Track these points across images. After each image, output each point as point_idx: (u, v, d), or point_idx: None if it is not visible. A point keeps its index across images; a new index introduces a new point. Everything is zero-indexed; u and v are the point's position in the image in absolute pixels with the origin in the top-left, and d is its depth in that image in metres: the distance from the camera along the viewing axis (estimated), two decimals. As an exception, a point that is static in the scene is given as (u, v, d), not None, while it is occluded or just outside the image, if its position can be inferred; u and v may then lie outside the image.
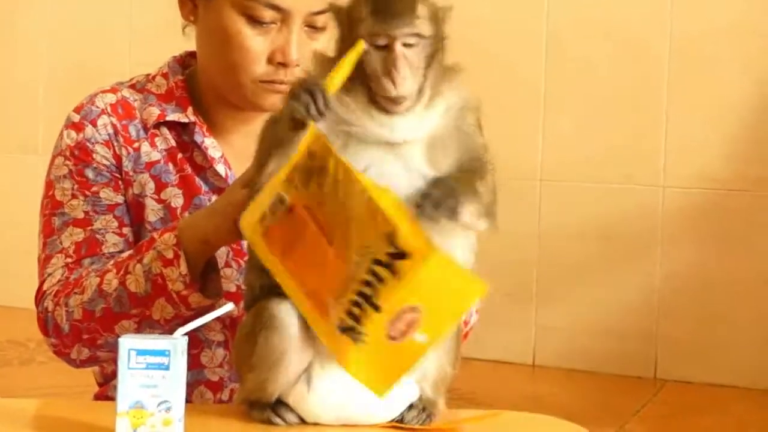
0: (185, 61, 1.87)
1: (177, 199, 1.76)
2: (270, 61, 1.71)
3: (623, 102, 3.90)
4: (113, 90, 1.82)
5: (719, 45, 3.80)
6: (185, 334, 1.36)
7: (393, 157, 1.38)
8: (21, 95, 4.74)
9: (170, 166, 1.77)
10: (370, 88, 1.37)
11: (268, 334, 1.39)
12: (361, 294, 1.28)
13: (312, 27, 1.72)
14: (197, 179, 1.77)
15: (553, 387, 3.79)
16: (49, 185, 1.78)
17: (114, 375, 1.83)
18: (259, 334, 1.40)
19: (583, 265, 3.92)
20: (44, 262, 1.75)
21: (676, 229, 3.86)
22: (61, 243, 1.74)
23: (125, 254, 1.68)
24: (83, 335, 1.66)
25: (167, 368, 1.32)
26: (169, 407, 1.32)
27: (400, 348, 1.28)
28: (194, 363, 1.72)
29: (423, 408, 1.45)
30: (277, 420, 1.43)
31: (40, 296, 1.72)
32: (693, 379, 3.82)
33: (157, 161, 1.77)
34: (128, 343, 1.32)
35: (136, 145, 1.77)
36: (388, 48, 1.36)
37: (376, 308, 1.27)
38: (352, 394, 1.41)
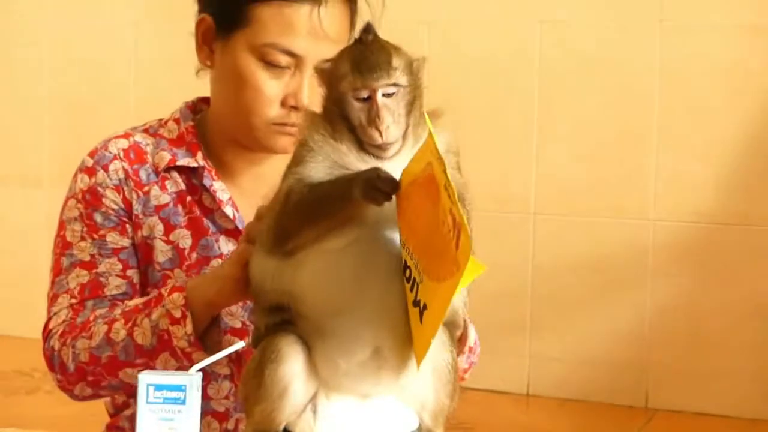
0: (196, 107, 1.94)
1: (185, 240, 1.83)
2: (283, 104, 1.78)
3: (614, 137, 3.93)
4: (126, 135, 1.89)
5: (709, 80, 3.83)
6: (199, 370, 1.43)
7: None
8: (25, 129, 4.74)
9: (179, 208, 1.84)
10: (357, 136, 1.45)
11: (274, 366, 1.46)
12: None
13: None
14: (205, 221, 1.84)
15: (547, 416, 3.82)
16: (61, 225, 1.87)
17: (125, 405, 1.90)
18: (266, 368, 1.46)
19: (576, 297, 3.94)
20: (51, 300, 1.83)
21: (666, 262, 3.89)
22: (67, 283, 1.81)
23: (133, 303, 1.75)
24: (88, 377, 1.74)
25: (183, 402, 1.39)
26: (185, 439, 1.39)
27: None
28: (201, 395, 1.79)
29: None
30: None
31: (46, 334, 1.80)
32: (683, 408, 3.85)
33: (167, 204, 1.84)
34: (147, 378, 1.39)
35: (146, 188, 1.84)
36: (370, 99, 1.44)
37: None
38: (358, 422, 1.48)
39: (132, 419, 1.87)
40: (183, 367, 1.66)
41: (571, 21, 3.99)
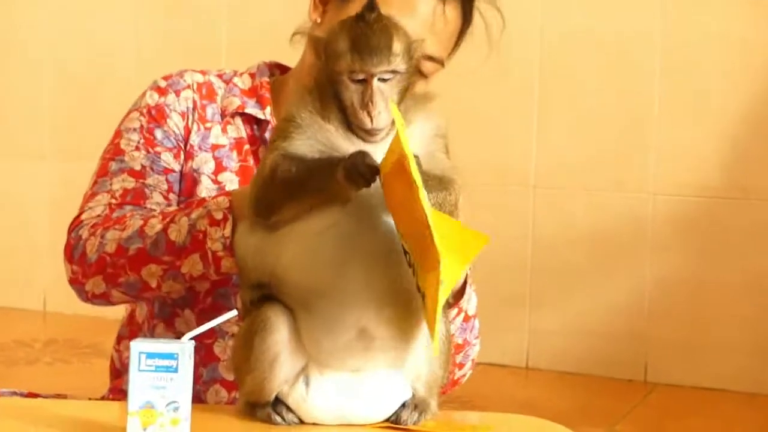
0: (272, 69, 1.95)
1: (232, 185, 1.84)
2: None
3: (614, 111, 3.93)
4: (202, 72, 1.91)
5: (709, 54, 3.83)
6: (192, 338, 1.43)
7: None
8: (27, 103, 4.74)
9: (234, 153, 1.86)
10: (346, 116, 1.45)
11: (263, 335, 1.47)
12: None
13: (418, 70, 1.75)
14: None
15: (546, 389, 3.83)
16: (117, 134, 1.87)
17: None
18: (255, 337, 1.47)
19: (575, 270, 3.94)
20: (89, 197, 1.82)
21: (666, 235, 3.89)
22: (111, 185, 1.81)
23: (173, 207, 1.76)
24: (108, 269, 1.71)
25: (176, 371, 1.38)
26: (177, 407, 1.38)
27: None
28: (208, 355, 1.79)
29: (416, 406, 1.52)
30: (277, 418, 1.49)
31: (76, 224, 1.78)
32: (682, 382, 3.86)
33: (223, 146, 1.86)
34: (139, 346, 1.39)
35: (208, 125, 1.86)
36: (365, 82, 1.44)
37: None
38: (350, 395, 1.49)
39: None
40: (206, 276, 1.68)
41: (572, -6, 3.99)
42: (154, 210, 1.80)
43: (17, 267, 4.73)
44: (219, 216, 1.65)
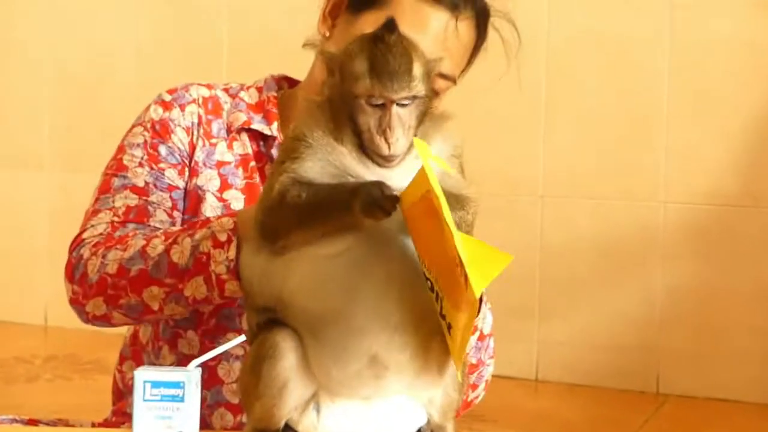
0: (280, 83, 1.91)
1: (238, 203, 1.80)
2: None
3: (623, 119, 3.91)
4: (208, 86, 1.87)
5: (720, 60, 3.81)
6: (200, 365, 1.38)
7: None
8: (25, 112, 4.73)
9: (240, 171, 1.82)
10: (361, 139, 1.39)
11: (272, 362, 1.41)
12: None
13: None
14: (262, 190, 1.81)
15: (557, 401, 3.80)
16: (120, 149, 1.83)
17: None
18: (263, 364, 1.41)
19: (585, 280, 3.93)
20: (91, 214, 1.78)
21: (677, 244, 3.87)
22: (113, 202, 1.77)
23: (176, 228, 1.72)
24: (108, 290, 1.67)
25: (182, 400, 1.34)
26: (184, 438, 1.34)
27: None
28: (212, 378, 1.75)
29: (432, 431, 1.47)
30: None
31: (77, 243, 1.74)
32: (695, 393, 3.83)
33: (228, 163, 1.82)
34: (143, 375, 1.34)
35: (214, 141, 1.83)
36: (383, 107, 1.38)
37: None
38: (362, 423, 1.43)
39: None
40: (209, 300, 1.63)
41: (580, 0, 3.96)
42: (158, 229, 1.76)
43: (16, 279, 4.70)
44: (223, 238, 1.61)
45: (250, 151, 1.83)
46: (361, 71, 1.38)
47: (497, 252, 1.24)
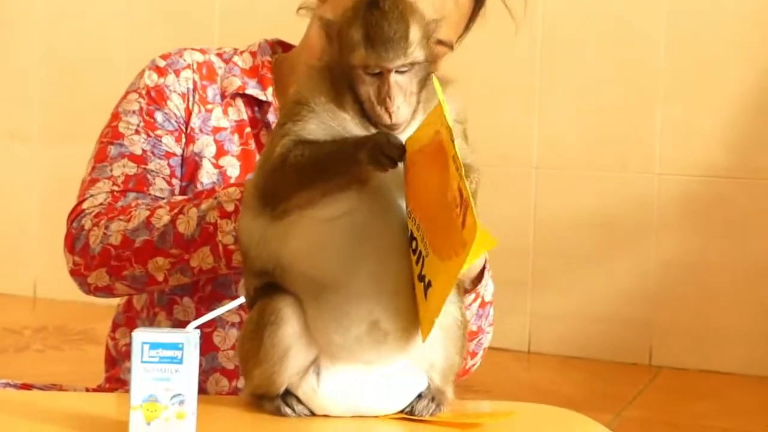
0: (274, 47, 1.89)
1: (233, 169, 1.79)
2: None
3: (619, 90, 3.91)
4: (202, 51, 1.85)
5: (716, 33, 3.81)
6: (198, 327, 1.36)
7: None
8: (15, 84, 4.71)
9: (235, 137, 1.80)
10: (363, 108, 1.38)
11: (274, 328, 1.40)
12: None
13: None
14: (258, 156, 1.79)
15: (549, 373, 3.80)
16: (115, 116, 1.81)
17: (127, 354, 1.84)
18: (264, 330, 1.41)
19: (579, 253, 3.93)
20: (89, 183, 1.76)
21: (671, 217, 3.87)
22: (111, 171, 1.75)
23: (180, 197, 1.70)
24: (112, 261, 1.66)
25: (180, 362, 1.32)
26: (183, 400, 1.31)
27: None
28: (207, 344, 1.73)
29: (432, 398, 1.46)
30: (287, 410, 1.43)
31: (76, 214, 1.72)
32: (688, 365, 3.84)
33: (224, 128, 1.80)
34: (141, 336, 1.32)
35: (209, 107, 1.81)
36: (381, 76, 1.36)
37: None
38: (362, 387, 1.42)
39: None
40: (216, 269, 1.62)
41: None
42: (159, 198, 1.74)
43: (6, 251, 4.69)
44: (230, 208, 1.60)
45: (245, 116, 1.82)
46: (356, 40, 1.36)
47: (484, 234, 1.22)
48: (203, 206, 1.62)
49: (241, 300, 1.41)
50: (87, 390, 1.81)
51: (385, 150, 1.31)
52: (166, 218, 1.64)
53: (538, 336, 4.01)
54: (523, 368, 3.90)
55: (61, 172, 4.46)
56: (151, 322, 1.81)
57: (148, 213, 1.66)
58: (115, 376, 1.86)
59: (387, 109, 1.35)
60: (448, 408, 1.46)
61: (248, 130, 1.81)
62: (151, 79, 1.81)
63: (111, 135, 1.79)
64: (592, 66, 3.93)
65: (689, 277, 3.85)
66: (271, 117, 1.80)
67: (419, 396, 1.46)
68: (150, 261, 1.64)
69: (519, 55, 4.00)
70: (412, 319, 1.39)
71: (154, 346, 1.32)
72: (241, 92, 1.81)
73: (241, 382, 1.76)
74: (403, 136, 1.36)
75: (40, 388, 1.76)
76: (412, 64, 1.37)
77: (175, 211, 1.64)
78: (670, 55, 3.86)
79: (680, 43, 3.85)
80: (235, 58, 1.85)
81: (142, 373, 1.31)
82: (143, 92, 1.80)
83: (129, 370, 1.80)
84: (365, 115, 1.38)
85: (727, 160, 3.82)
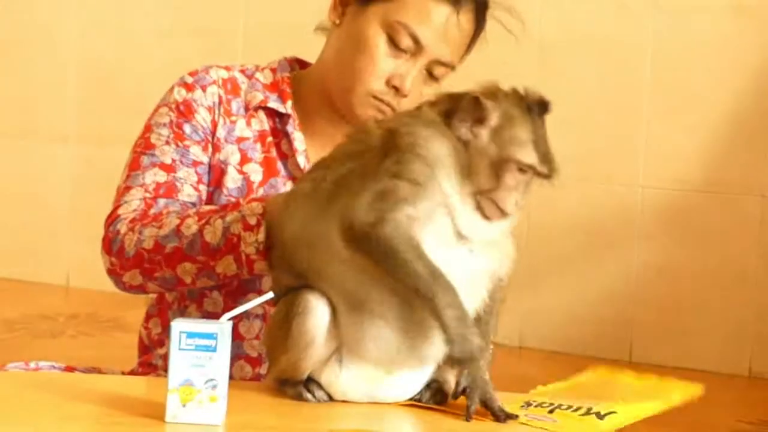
0: (292, 65, 1.92)
1: (256, 175, 1.81)
2: (387, 82, 1.76)
3: (607, 108, 3.91)
4: (227, 68, 1.87)
5: (697, 57, 3.81)
6: (230, 319, 1.38)
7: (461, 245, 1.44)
8: (52, 87, 4.71)
9: (258, 145, 1.83)
10: (490, 189, 1.41)
11: (302, 319, 1.43)
12: None
13: (429, 73, 1.78)
14: (279, 163, 1.83)
15: (539, 367, 3.80)
16: (148, 128, 1.84)
17: (159, 342, 1.86)
18: (293, 320, 1.44)
19: (567, 257, 3.93)
20: (124, 190, 1.79)
21: (652, 226, 3.87)
22: (143, 179, 1.78)
23: (207, 207, 1.73)
24: (144, 264, 1.70)
25: (214, 350, 1.34)
26: (215, 385, 1.34)
27: None
28: (233, 334, 1.74)
29: (438, 389, 1.49)
30: (308, 396, 1.46)
31: (113, 219, 1.76)
32: (665, 362, 3.82)
33: (247, 138, 1.83)
34: (179, 326, 1.35)
35: (234, 119, 1.83)
36: (525, 175, 1.43)
37: None
38: (382, 378, 1.45)
39: (166, 357, 1.83)
40: (239, 275, 1.66)
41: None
42: (188, 203, 1.77)
43: (42, 244, 4.70)
44: (253, 221, 1.63)
45: (267, 127, 1.84)
46: (524, 139, 1.43)
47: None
48: (228, 218, 1.65)
49: (270, 295, 1.43)
50: (122, 373, 1.83)
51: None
52: (195, 228, 1.67)
53: (528, 332, 4.01)
54: (514, 362, 3.89)
55: (94, 171, 4.48)
56: (182, 314, 1.83)
57: (178, 221, 1.69)
58: (148, 361, 1.88)
59: (517, 203, 1.42)
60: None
61: (270, 139, 1.84)
62: (180, 94, 1.83)
63: (144, 145, 1.82)
64: (583, 88, 3.92)
65: (667, 280, 3.85)
66: (290, 128, 1.83)
67: (428, 385, 1.49)
68: (179, 266, 1.68)
69: (514, 76, 3.99)
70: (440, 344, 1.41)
71: (191, 335, 1.34)
72: (263, 105, 1.84)
73: (263, 369, 1.79)
74: (492, 232, 1.43)
75: (82, 371, 1.79)
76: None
77: (203, 221, 1.67)
78: (654, 80, 3.85)
79: (663, 69, 3.84)
80: (257, 74, 1.88)
81: (179, 360, 1.34)
82: (173, 106, 1.83)
83: (161, 357, 1.85)
84: (476, 197, 1.41)
85: (703, 175, 3.82)
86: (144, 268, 1.70)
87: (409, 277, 1.37)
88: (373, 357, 1.43)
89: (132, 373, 1.87)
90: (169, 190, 1.78)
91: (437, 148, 1.42)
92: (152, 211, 1.75)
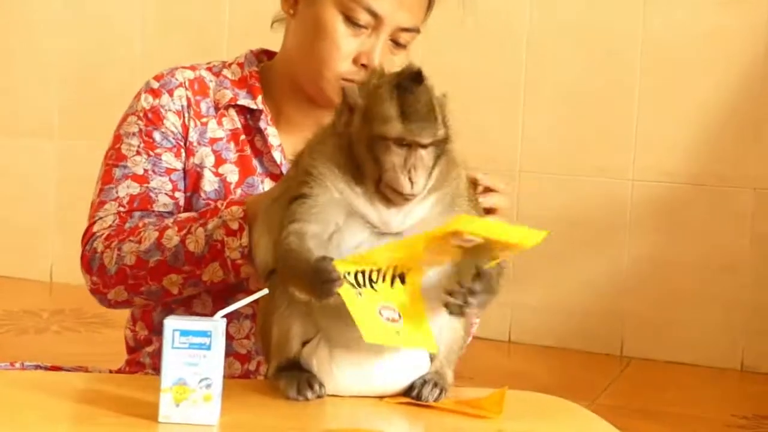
0: (259, 57, 1.89)
1: (233, 176, 1.78)
2: (355, 61, 1.73)
3: (597, 102, 3.89)
4: (192, 68, 1.84)
5: (687, 51, 3.80)
6: (224, 316, 1.35)
7: (387, 237, 1.41)
8: (37, 82, 4.67)
9: (231, 145, 1.79)
10: (380, 176, 1.39)
11: (285, 303, 1.43)
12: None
13: (395, 42, 1.75)
14: (254, 161, 1.79)
15: (528, 362, 3.79)
16: (117, 139, 1.80)
17: (147, 342, 1.83)
18: (278, 307, 1.44)
19: (557, 250, 3.91)
20: (97, 206, 1.76)
21: (642, 219, 3.86)
22: (117, 192, 1.75)
23: (184, 215, 1.70)
24: (129, 280, 1.67)
25: (209, 348, 1.31)
26: (210, 384, 1.31)
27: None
28: None
29: (435, 383, 1.46)
30: (307, 392, 1.42)
31: (88, 237, 1.73)
32: (656, 356, 3.83)
33: (220, 139, 1.80)
34: (172, 324, 1.32)
35: (204, 120, 1.80)
36: (409, 149, 1.38)
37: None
38: (371, 368, 1.43)
39: (154, 356, 1.81)
40: (226, 281, 1.64)
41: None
42: (163, 213, 1.75)
43: (26, 240, 4.66)
44: (235, 226, 1.62)
45: (239, 125, 1.81)
46: (391, 115, 1.38)
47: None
48: (209, 225, 1.63)
49: (265, 292, 1.40)
50: (111, 372, 1.80)
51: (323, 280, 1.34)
52: (176, 239, 1.65)
53: (518, 327, 3.99)
54: (503, 357, 3.89)
55: (78, 166, 4.43)
56: (168, 315, 1.80)
57: (157, 234, 1.67)
58: (136, 359, 1.85)
59: (410, 179, 1.37)
60: (450, 392, 1.46)
61: (243, 137, 1.81)
62: (147, 101, 1.80)
63: (115, 157, 1.79)
64: (574, 80, 3.91)
65: (658, 274, 3.84)
66: (263, 123, 1.80)
67: (423, 381, 1.46)
68: (164, 278, 1.66)
69: (505, 68, 3.99)
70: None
71: (185, 333, 1.31)
72: (233, 103, 1.81)
73: (252, 365, 1.76)
74: (398, 212, 1.40)
75: (68, 371, 1.76)
76: (438, 141, 1.39)
77: (184, 231, 1.65)
78: (645, 72, 3.84)
79: (654, 59, 3.83)
80: (224, 71, 1.84)
81: (172, 358, 1.31)
82: (141, 114, 1.79)
83: (149, 355, 1.81)
84: (378, 189, 1.39)
85: (693, 169, 3.81)
86: (128, 284, 1.68)
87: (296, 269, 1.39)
88: (349, 348, 1.42)
89: (120, 371, 1.85)
90: (143, 201, 1.75)
91: (323, 160, 1.42)
92: (127, 225, 1.72)
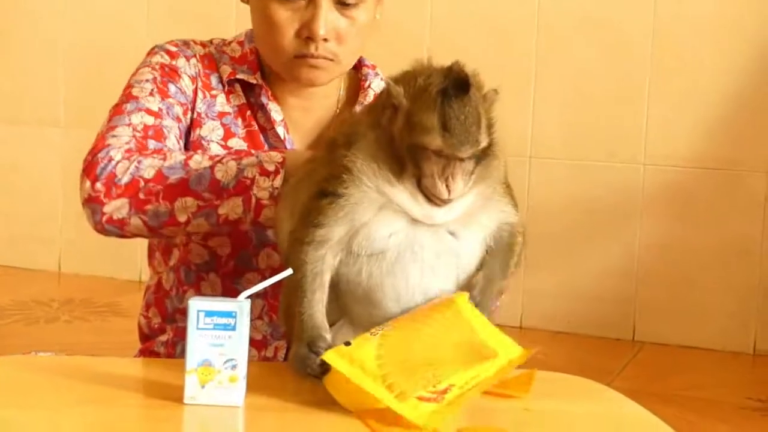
0: None
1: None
2: (298, 35, 1.71)
3: (609, 87, 3.88)
4: (202, 44, 1.84)
5: (699, 35, 3.78)
6: (248, 297, 1.33)
7: (423, 227, 1.39)
8: (43, 72, 4.66)
9: (239, 120, 1.78)
10: (419, 178, 1.35)
11: (310, 279, 1.39)
12: None
13: (342, 3, 1.71)
14: (261, 136, 1.78)
15: (540, 348, 3.77)
16: (129, 86, 1.76)
17: (160, 330, 1.81)
18: (303, 282, 1.40)
19: (569, 236, 3.91)
20: (107, 130, 1.68)
21: (655, 203, 3.85)
22: (130, 120, 1.69)
23: (212, 152, 1.67)
24: (139, 194, 1.58)
25: (234, 329, 1.30)
26: (235, 365, 1.30)
27: None
28: None
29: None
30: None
31: (101, 147, 1.63)
32: (668, 341, 3.82)
33: (228, 113, 1.79)
34: (197, 305, 1.30)
35: (214, 92, 1.79)
36: (448, 158, 1.34)
37: None
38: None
39: (168, 345, 1.79)
40: (242, 221, 1.58)
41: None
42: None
43: (34, 230, 4.65)
44: (271, 168, 1.57)
45: (245, 100, 1.81)
46: (431, 126, 1.33)
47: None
48: (243, 161, 1.58)
49: (290, 272, 1.38)
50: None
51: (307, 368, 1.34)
52: (206, 163, 1.58)
53: (529, 312, 3.98)
54: (515, 342, 3.87)
55: (84, 155, 4.42)
56: (180, 300, 1.79)
57: (184, 157, 1.61)
58: (149, 348, 1.83)
59: (448, 186, 1.34)
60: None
61: (249, 113, 1.80)
62: (164, 58, 1.79)
63: (126, 98, 1.74)
64: (584, 65, 3.90)
65: (670, 259, 3.83)
66: (263, 98, 1.79)
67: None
68: (179, 199, 1.58)
69: (515, 55, 3.97)
70: None
71: (209, 314, 1.30)
72: (232, 78, 1.80)
73: (269, 352, 1.75)
74: (453, 212, 1.38)
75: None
76: (479, 152, 1.35)
77: (215, 159, 1.59)
78: (656, 55, 3.83)
79: (666, 44, 3.82)
80: (225, 48, 1.84)
81: (197, 339, 1.29)
82: (156, 67, 1.77)
83: (163, 344, 1.80)
84: (419, 187, 1.36)
85: (706, 153, 3.79)
86: (136, 199, 1.58)
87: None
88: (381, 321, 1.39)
89: (134, 360, 1.83)
90: (158, 133, 1.69)
91: (363, 156, 1.36)
92: (151, 145, 1.66)
